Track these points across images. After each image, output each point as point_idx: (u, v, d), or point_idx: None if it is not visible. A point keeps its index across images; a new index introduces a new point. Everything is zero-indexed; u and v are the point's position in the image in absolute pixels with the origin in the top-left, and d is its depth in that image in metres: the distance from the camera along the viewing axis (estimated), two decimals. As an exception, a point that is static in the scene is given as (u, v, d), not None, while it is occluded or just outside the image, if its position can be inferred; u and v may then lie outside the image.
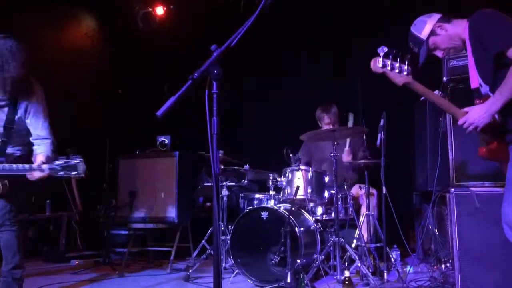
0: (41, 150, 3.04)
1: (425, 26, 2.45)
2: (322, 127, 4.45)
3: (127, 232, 4.83)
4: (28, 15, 4.99)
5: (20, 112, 3.10)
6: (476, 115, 2.24)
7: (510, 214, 2.19)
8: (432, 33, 2.44)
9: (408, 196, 4.75)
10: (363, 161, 4.01)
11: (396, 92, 4.95)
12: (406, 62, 2.24)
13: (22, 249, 3.18)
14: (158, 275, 4.14)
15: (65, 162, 2.80)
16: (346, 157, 4.35)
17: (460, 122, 2.30)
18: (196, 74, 1.87)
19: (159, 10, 6.10)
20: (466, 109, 2.30)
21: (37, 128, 3.11)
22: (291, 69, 5.77)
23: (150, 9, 6.06)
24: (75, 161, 2.78)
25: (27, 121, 3.07)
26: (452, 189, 2.93)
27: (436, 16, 2.46)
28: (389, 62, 2.21)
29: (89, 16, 6.17)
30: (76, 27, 6.03)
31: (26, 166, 2.90)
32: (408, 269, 3.82)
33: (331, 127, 4.32)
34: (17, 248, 3.13)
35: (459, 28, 2.40)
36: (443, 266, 3.63)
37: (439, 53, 2.50)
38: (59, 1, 5.51)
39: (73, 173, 2.82)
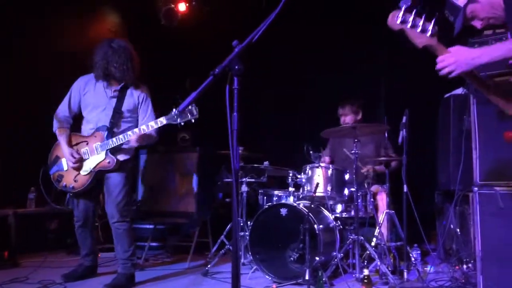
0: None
1: None
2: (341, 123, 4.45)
3: (147, 226, 4.89)
4: (55, 11, 5.10)
5: (130, 100, 3.41)
6: (459, 57, 1.95)
7: None
8: None
9: (430, 195, 4.67)
10: (384, 158, 3.97)
11: (419, 89, 4.91)
12: (433, 21, 1.89)
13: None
14: (177, 270, 4.18)
15: (179, 110, 2.92)
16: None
17: (438, 59, 1.98)
18: (217, 70, 1.88)
19: (182, 7, 6.16)
20: (452, 48, 1.99)
21: (145, 116, 3.47)
22: (313, 64, 5.73)
23: (173, 6, 6.11)
24: (189, 107, 2.89)
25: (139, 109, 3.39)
26: (476, 189, 2.87)
27: None
28: (411, 18, 1.86)
29: (112, 12, 6.25)
30: (100, 22, 6.12)
31: (135, 130, 3.23)
32: (428, 268, 3.77)
33: (345, 119, 4.34)
34: (133, 238, 3.57)
35: None
36: (464, 266, 3.58)
37: (477, 23, 2.14)
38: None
39: (189, 116, 2.97)
